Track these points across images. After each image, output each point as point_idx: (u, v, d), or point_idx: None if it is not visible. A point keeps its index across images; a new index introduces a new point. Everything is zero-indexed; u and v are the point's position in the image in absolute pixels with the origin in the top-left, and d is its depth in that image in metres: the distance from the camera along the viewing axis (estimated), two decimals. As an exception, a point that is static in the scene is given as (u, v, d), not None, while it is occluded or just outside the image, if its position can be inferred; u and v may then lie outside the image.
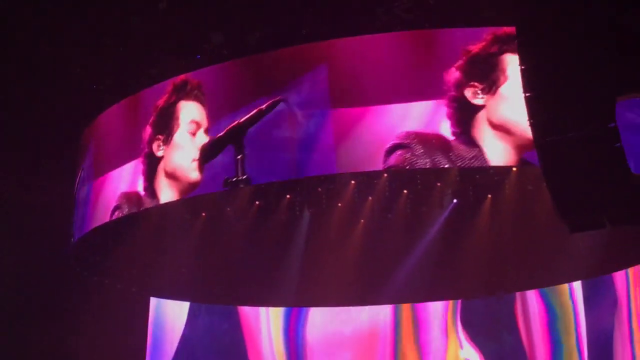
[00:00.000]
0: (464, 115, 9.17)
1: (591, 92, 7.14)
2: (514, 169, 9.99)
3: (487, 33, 9.24)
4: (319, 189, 11.14)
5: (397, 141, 9.19)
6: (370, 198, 11.33)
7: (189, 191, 9.90)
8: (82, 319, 12.08)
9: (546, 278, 12.85)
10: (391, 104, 9.34)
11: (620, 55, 7.24)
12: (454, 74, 9.13)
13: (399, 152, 9.17)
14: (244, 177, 9.11)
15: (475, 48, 9.20)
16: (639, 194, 7.11)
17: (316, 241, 12.15)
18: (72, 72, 11.00)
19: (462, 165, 9.34)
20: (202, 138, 9.73)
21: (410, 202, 11.56)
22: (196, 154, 9.65)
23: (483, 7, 9.59)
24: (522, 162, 9.27)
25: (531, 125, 7.33)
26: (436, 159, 9.17)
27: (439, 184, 11.07)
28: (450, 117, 9.17)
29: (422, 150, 9.15)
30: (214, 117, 9.78)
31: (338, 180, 10.84)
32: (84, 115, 11.27)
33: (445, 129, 9.16)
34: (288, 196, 11.31)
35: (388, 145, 9.16)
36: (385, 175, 10.64)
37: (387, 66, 9.44)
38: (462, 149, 9.15)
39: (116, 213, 10.45)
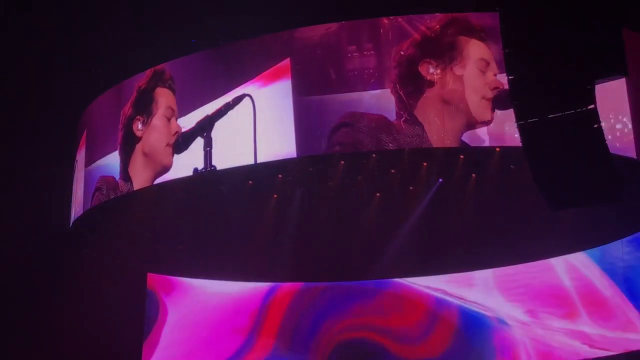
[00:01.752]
0: (413, 93, 9.29)
1: (571, 75, 7.16)
2: (497, 149, 9.95)
3: (444, 17, 9.37)
4: (310, 169, 11.20)
5: (342, 120, 9.39)
6: (359, 177, 11.40)
7: (162, 173, 10.18)
8: (82, 294, 12.04)
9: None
10: (348, 92, 9.55)
11: (598, 39, 7.27)
12: (408, 50, 9.23)
13: (343, 130, 9.40)
14: (211, 168, 9.42)
15: (431, 30, 9.36)
16: (617, 174, 7.16)
17: (306, 218, 12.23)
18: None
19: (404, 145, 9.50)
20: (175, 124, 10.06)
21: (398, 181, 11.64)
22: (171, 139, 10.00)
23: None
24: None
25: (514, 106, 7.37)
26: (380, 137, 9.31)
27: (425, 164, 11.15)
28: (397, 96, 9.32)
29: (365, 129, 9.32)
30: (186, 106, 10.08)
31: (328, 161, 10.88)
32: (82, 100, 11.43)
33: (391, 108, 9.31)
34: (280, 175, 11.37)
35: (333, 125, 9.41)
36: (374, 155, 10.65)
37: (343, 54, 9.63)
38: (405, 127, 9.29)
39: (96, 196, 10.91)
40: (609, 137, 8.27)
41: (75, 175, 11.59)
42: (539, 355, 12.91)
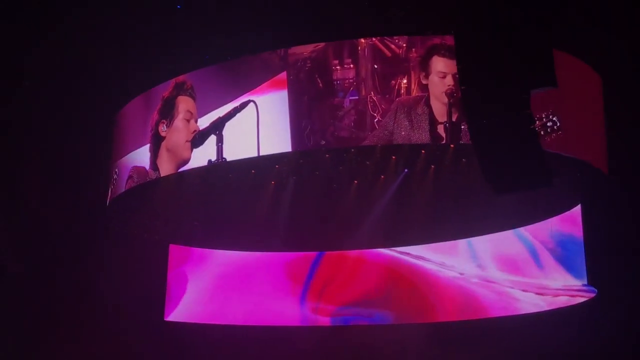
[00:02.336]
0: (385, 99, 9.36)
1: (512, 86, 7.22)
2: (452, 146, 9.96)
3: (410, 38, 9.50)
4: (301, 161, 11.21)
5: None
6: (340, 168, 11.42)
7: (183, 164, 10.19)
8: (114, 261, 12.03)
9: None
10: (333, 97, 9.71)
11: (534, 59, 7.33)
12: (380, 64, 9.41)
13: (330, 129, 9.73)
14: (222, 159, 9.64)
15: (399, 48, 9.44)
16: (547, 165, 7.25)
17: (297, 200, 12.07)
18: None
19: (377, 141, 9.75)
20: (194, 125, 10.06)
21: (371, 171, 11.64)
22: (189, 137, 10.01)
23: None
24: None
25: (465, 110, 7.42)
26: (358, 135, 9.61)
27: (393, 157, 11.16)
28: (372, 101, 9.41)
29: (346, 127, 9.67)
30: (203, 110, 10.05)
31: (316, 155, 10.89)
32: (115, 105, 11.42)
33: (366, 111, 9.47)
34: (277, 166, 11.38)
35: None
36: (352, 150, 10.67)
37: (328, 67, 9.67)
38: (377, 127, 9.43)
39: (128, 182, 10.85)
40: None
41: (111, 164, 11.58)
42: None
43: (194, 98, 10.16)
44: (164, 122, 10.36)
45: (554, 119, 9.45)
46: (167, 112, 10.34)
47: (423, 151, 10.97)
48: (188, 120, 10.14)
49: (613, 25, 9.77)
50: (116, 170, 11.37)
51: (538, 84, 7.74)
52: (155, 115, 10.50)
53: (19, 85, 11.04)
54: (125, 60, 10.98)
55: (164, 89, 10.50)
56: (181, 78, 10.32)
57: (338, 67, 9.56)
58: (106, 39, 10.81)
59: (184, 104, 10.21)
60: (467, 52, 7.48)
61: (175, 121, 10.24)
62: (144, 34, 10.76)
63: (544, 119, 9.73)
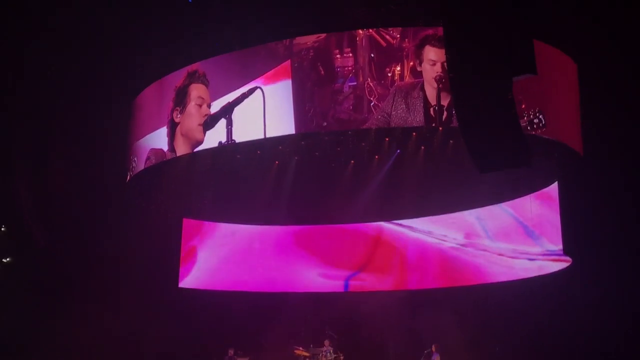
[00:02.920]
0: (381, 85, 9.50)
1: (496, 73, 7.25)
2: (440, 129, 10.01)
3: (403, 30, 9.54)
4: (302, 143, 11.23)
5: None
6: (338, 149, 11.46)
7: (196, 145, 10.25)
8: (134, 232, 12.08)
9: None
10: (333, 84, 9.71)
11: (517, 50, 7.35)
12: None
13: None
14: (231, 141, 9.68)
15: (393, 39, 9.49)
16: (527, 147, 7.29)
17: (298, 178, 12.18)
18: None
19: (372, 124, 9.83)
20: (205, 109, 10.08)
21: (367, 151, 11.67)
22: (201, 120, 10.04)
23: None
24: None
25: (453, 96, 7.45)
26: (355, 117, 9.77)
27: (387, 139, 11.18)
28: (368, 87, 9.56)
29: (345, 111, 9.80)
30: (214, 95, 10.09)
31: (314, 137, 10.92)
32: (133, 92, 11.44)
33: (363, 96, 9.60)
34: (280, 147, 11.40)
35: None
36: (349, 132, 10.69)
37: (330, 56, 9.74)
38: (373, 110, 9.55)
39: (146, 162, 10.90)
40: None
41: (129, 146, 11.59)
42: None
43: (206, 85, 10.18)
44: (177, 109, 10.41)
45: (540, 117, 9.55)
46: (180, 100, 10.41)
47: (414, 133, 11.05)
48: (200, 106, 10.18)
49: (590, 15, 9.77)
50: (134, 151, 11.42)
51: (519, 71, 7.80)
52: (169, 104, 10.55)
53: (46, 72, 10.99)
54: (141, 50, 10.95)
55: (178, 78, 10.54)
56: (194, 66, 10.34)
57: (338, 56, 9.64)
58: (125, 32, 10.79)
59: (196, 90, 10.23)
60: (454, 42, 7.51)
61: (188, 107, 10.28)
62: (159, 26, 10.72)
63: (531, 116, 9.82)
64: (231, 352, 11.97)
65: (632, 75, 9.80)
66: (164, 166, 11.01)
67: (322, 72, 9.60)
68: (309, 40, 9.67)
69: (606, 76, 10.00)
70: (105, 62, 10.95)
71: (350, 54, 9.52)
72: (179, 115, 10.36)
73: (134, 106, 11.58)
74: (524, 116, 8.86)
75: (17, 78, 10.88)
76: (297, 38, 9.67)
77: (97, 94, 11.51)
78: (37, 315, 11.55)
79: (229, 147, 9.95)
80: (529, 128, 9.00)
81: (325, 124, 9.61)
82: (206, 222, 14.03)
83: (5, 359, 11.52)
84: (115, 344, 11.53)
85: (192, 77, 10.30)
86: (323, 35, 9.68)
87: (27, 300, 11.74)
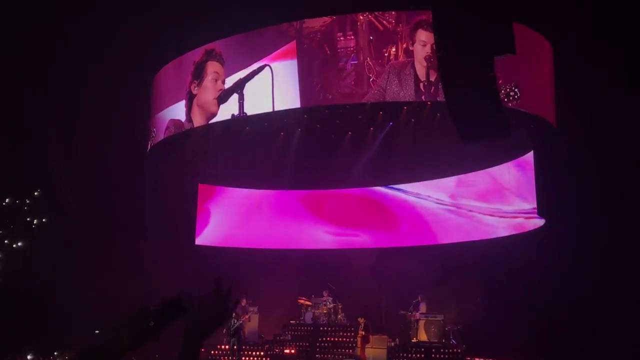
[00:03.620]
0: (379, 63, 9.62)
1: (478, 52, 7.28)
2: (429, 103, 10.04)
3: (397, 14, 9.59)
4: (305, 116, 11.27)
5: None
6: (337, 121, 11.49)
7: (211, 117, 10.37)
8: (154, 195, 12.16)
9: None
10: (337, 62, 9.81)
11: (498, 32, 7.37)
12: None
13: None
14: (243, 114, 9.80)
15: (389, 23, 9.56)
16: (506, 119, 7.36)
17: (301, 147, 12.23)
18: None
19: (369, 98, 9.97)
20: (220, 85, 10.17)
21: (363, 124, 11.72)
22: (216, 94, 10.15)
23: None
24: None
25: (440, 73, 7.50)
26: (355, 92, 9.92)
27: (380, 113, 11.22)
28: (367, 65, 9.66)
29: (347, 87, 10.07)
30: (228, 72, 10.16)
31: (316, 110, 10.95)
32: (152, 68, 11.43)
33: (364, 73, 9.75)
34: (285, 119, 11.43)
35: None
36: (347, 106, 10.72)
37: (334, 37, 9.85)
38: (372, 85, 9.69)
39: (166, 132, 10.98)
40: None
41: (151, 117, 11.62)
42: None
43: (221, 63, 10.25)
44: (195, 82, 10.49)
45: (516, 89, 9.62)
46: (198, 74, 10.49)
47: (405, 108, 11.13)
48: (216, 81, 10.27)
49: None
50: (155, 123, 11.48)
51: (500, 51, 7.84)
52: (188, 77, 10.62)
53: (74, 53, 10.97)
54: (165, 29, 10.94)
55: (197, 54, 10.59)
56: (211, 45, 10.40)
57: (342, 38, 9.71)
58: (150, 12, 10.77)
59: (212, 67, 10.31)
60: (442, 25, 7.55)
61: (205, 81, 10.37)
62: (181, 7, 10.72)
63: (508, 89, 9.88)
64: (244, 301, 12.15)
65: (605, 53, 9.76)
66: (182, 137, 11.11)
67: (328, 52, 9.70)
68: (316, 23, 9.73)
69: (581, 54, 9.98)
70: (130, 41, 10.95)
71: (352, 37, 9.59)
72: (196, 88, 10.44)
73: (154, 82, 11.60)
74: (502, 90, 8.92)
75: (53, 51, 10.78)
76: (307, 21, 9.73)
77: (121, 71, 11.52)
78: (69, 267, 11.74)
79: (241, 119, 10.00)
80: (505, 100, 9.06)
81: (330, 96, 9.69)
82: (219, 187, 14.15)
83: (41, 306, 11.73)
84: (137, 293, 11.65)
85: (210, 55, 10.37)
86: (328, 19, 9.74)
87: (61, 254, 11.92)
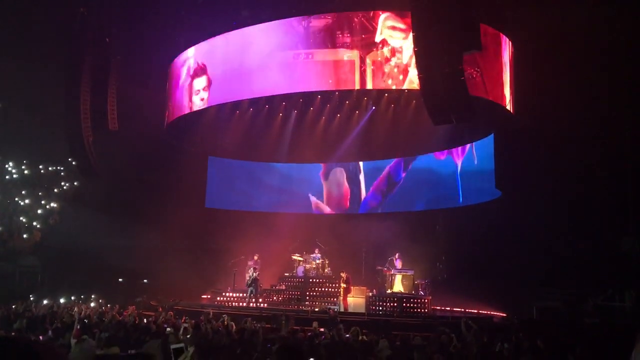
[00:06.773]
0: (370, 55, 9.45)
1: (449, 49, 7.28)
2: (406, 90, 9.99)
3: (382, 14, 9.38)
4: (301, 100, 11.20)
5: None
6: (328, 105, 11.45)
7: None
8: (170, 166, 12.04)
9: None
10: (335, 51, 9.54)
11: (467, 31, 7.35)
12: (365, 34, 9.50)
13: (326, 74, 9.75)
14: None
15: (375, 22, 9.40)
16: (471, 105, 7.39)
17: (296, 125, 12.26)
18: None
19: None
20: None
21: (350, 108, 11.69)
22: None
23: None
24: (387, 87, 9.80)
25: (417, 65, 7.48)
26: (344, 78, 9.60)
27: (365, 98, 11.18)
28: (360, 57, 9.49)
29: (338, 73, 9.65)
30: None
31: (310, 96, 10.89)
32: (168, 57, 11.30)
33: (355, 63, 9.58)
34: (283, 103, 11.37)
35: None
36: (337, 92, 10.66)
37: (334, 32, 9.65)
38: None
39: (175, 113, 10.98)
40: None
41: (167, 98, 11.48)
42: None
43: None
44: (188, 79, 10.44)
45: (478, 70, 9.60)
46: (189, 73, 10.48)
47: (386, 94, 11.11)
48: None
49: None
50: (171, 102, 11.31)
51: (468, 47, 7.86)
52: (185, 72, 10.52)
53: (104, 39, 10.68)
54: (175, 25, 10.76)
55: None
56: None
57: (340, 35, 9.60)
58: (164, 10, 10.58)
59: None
60: (419, 24, 7.54)
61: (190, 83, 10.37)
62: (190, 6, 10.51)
63: (472, 71, 9.84)
64: (256, 256, 12.03)
65: (559, 48, 9.64)
66: (193, 115, 11.09)
67: (329, 45, 9.66)
68: (320, 20, 9.64)
69: (537, 49, 9.88)
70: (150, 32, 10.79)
71: (348, 35, 9.47)
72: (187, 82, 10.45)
73: (171, 68, 11.43)
74: (467, 70, 8.81)
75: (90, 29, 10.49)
76: (313, 20, 9.59)
77: (145, 59, 11.37)
78: (99, 227, 11.71)
79: (245, 101, 9.93)
80: (470, 78, 8.96)
81: (330, 81, 9.56)
82: (225, 159, 14.06)
83: (73, 261, 11.73)
84: (155, 251, 11.64)
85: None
86: (330, 19, 9.65)
87: (91, 215, 11.88)
